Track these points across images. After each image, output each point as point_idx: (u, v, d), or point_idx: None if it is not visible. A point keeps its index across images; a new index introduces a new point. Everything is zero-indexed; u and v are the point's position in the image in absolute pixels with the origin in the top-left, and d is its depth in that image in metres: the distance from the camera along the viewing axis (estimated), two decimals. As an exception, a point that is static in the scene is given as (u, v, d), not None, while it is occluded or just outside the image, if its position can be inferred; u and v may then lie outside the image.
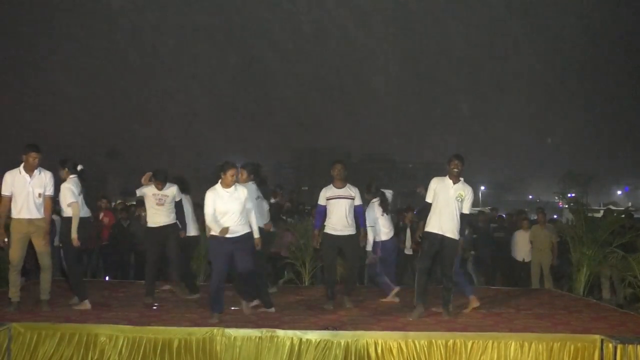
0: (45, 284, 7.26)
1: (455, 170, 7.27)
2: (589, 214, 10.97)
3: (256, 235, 7.15)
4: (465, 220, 7.40)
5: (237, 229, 6.97)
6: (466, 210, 7.32)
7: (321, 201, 7.95)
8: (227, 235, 6.87)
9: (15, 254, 7.10)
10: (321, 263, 9.93)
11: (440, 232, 7.23)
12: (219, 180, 6.97)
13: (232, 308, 7.40)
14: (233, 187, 7.00)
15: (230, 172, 6.93)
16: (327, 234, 7.92)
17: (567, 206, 12.94)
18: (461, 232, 7.37)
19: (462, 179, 7.33)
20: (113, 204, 11.99)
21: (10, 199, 7.08)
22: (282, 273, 10.91)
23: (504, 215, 15.82)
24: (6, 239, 7.18)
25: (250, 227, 7.12)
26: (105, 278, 10.91)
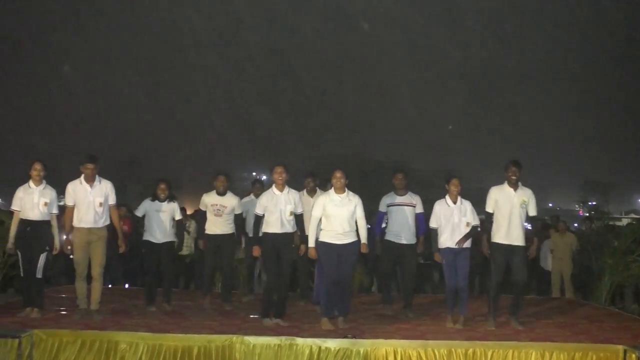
0: (96, 293, 7.30)
1: (514, 177, 7.16)
2: (611, 222, 10.89)
3: (363, 240, 7.13)
4: (535, 221, 7.40)
5: (345, 236, 7.04)
6: (533, 212, 7.25)
7: (381, 207, 8.01)
8: (336, 242, 6.99)
9: (79, 262, 7.21)
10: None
11: (508, 243, 7.14)
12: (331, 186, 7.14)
13: (252, 316, 7.42)
14: (345, 192, 7.09)
15: (337, 174, 7.07)
16: (387, 240, 7.95)
17: (587, 214, 12.85)
18: (534, 233, 7.38)
19: (520, 183, 7.24)
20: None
21: (73, 208, 7.21)
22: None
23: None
24: (70, 247, 7.25)
25: (358, 235, 7.15)
26: (124, 285, 10.98)
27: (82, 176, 7.24)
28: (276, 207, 7.09)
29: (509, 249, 7.14)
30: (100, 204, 7.25)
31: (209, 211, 8.20)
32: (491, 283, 7.30)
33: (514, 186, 7.20)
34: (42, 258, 7.27)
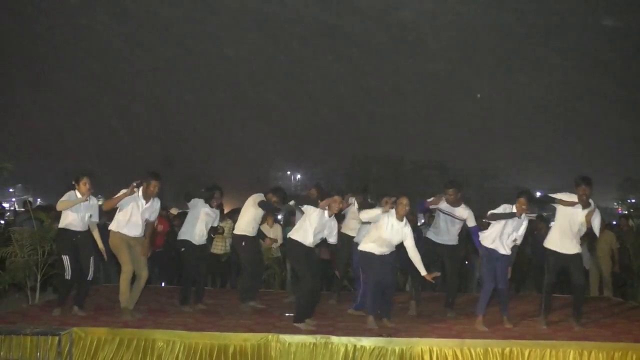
0: (136, 293, 7.44)
1: (584, 196, 7.05)
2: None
3: (422, 271, 7.12)
4: (593, 236, 7.49)
5: (388, 248, 7.25)
6: (596, 231, 7.19)
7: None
8: (378, 253, 7.17)
9: (128, 260, 7.29)
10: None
11: (563, 252, 7.20)
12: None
13: (287, 314, 7.44)
14: (404, 221, 7.19)
15: (404, 201, 7.14)
16: (426, 237, 8.08)
17: (626, 212, 12.63)
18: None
19: (591, 201, 7.10)
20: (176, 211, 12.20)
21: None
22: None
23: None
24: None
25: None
26: (161, 284, 11.09)
27: (141, 190, 7.37)
28: (323, 228, 7.15)
29: (564, 256, 7.20)
30: (146, 220, 7.44)
31: (255, 212, 8.18)
32: (545, 284, 7.36)
33: (585, 204, 7.08)
34: (92, 261, 7.40)
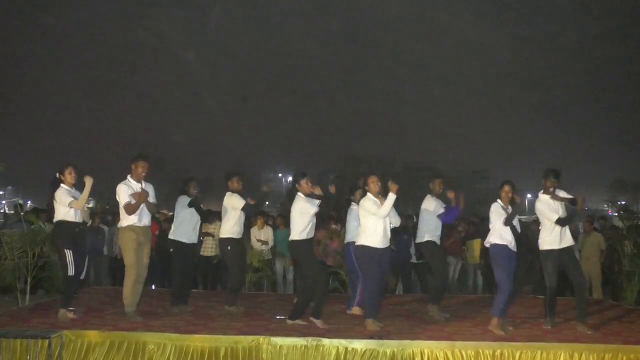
0: (136, 295, 7.37)
1: (552, 188, 7.23)
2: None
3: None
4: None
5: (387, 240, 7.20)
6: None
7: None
8: (381, 246, 7.04)
9: (132, 264, 7.18)
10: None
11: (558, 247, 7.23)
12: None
13: (277, 317, 7.43)
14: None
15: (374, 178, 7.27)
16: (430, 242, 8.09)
17: (616, 214, 12.70)
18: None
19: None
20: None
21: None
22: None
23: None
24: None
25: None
26: (151, 287, 11.05)
27: (129, 176, 7.23)
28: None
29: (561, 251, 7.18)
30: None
31: (238, 214, 7.98)
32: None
33: (553, 194, 7.20)
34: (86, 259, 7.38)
